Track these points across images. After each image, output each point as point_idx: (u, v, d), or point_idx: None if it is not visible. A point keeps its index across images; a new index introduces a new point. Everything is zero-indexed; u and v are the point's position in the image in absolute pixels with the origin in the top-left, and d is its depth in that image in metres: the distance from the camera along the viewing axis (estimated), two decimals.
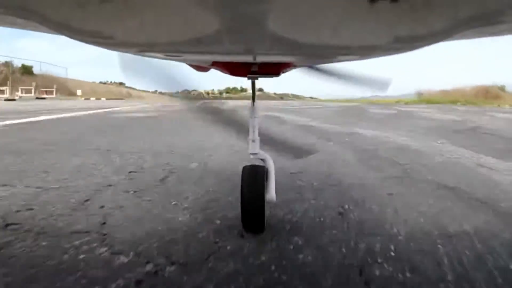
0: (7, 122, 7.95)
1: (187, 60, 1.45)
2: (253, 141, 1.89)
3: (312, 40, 0.84)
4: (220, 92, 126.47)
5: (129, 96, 64.38)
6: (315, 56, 1.17)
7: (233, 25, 0.74)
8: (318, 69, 1.86)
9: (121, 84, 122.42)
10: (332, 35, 0.80)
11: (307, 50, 1.01)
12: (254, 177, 1.72)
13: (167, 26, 0.76)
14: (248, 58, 1.27)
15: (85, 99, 47.74)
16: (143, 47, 0.97)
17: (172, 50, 1.02)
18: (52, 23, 0.77)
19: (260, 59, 1.28)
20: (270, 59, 1.31)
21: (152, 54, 1.10)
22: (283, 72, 1.64)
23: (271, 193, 1.76)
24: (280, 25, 0.74)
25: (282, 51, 1.06)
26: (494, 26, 0.82)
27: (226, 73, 1.65)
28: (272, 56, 1.17)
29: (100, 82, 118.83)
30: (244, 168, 1.77)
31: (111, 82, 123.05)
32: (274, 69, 1.58)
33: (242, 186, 1.72)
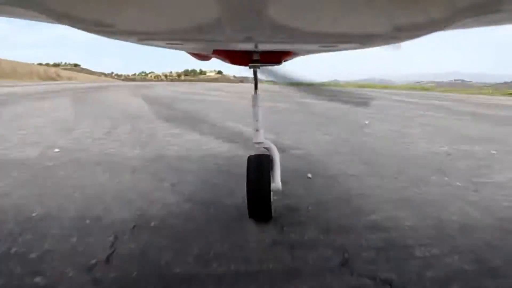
0: None
1: (188, 48, 1.49)
2: (257, 130, 1.87)
3: (313, 28, 0.84)
4: (179, 75, 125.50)
5: (56, 78, 62.32)
6: (315, 45, 1.17)
7: (234, 12, 0.73)
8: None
9: (76, 65, 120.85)
10: (332, 23, 0.80)
11: (307, 39, 1.01)
12: (259, 167, 1.74)
13: (168, 14, 0.75)
14: (249, 47, 1.30)
15: None
16: (145, 36, 0.97)
17: (173, 38, 1.01)
18: (53, 13, 0.76)
19: (261, 47, 1.32)
20: (271, 47, 1.35)
21: (153, 42, 1.10)
22: (284, 61, 1.66)
23: (277, 182, 1.82)
24: (280, 13, 0.73)
25: (283, 39, 1.05)
26: (492, 15, 0.81)
27: (227, 62, 1.66)
28: (273, 44, 1.19)
29: (54, 64, 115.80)
30: (249, 157, 1.78)
31: (65, 63, 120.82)
32: (275, 58, 1.60)
33: (248, 176, 1.76)
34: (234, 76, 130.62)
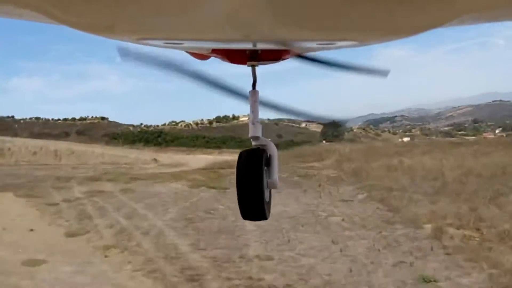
0: None
1: (187, 48, 1.49)
2: (253, 123, 1.76)
3: (311, 25, 0.85)
4: (210, 122, 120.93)
5: None
6: (313, 42, 1.16)
7: (232, 10, 0.74)
8: (313, 59, 1.73)
9: (103, 118, 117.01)
10: (331, 20, 0.82)
11: (306, 36, 1.02)
12: (252, 162, 1.64)
13: (166, 13, 0.76)
14: (248, 45, 1.28)
15: None
16: (143, 35, 0.98)
17: (172, 37, 1.02)
18: (52, 13, 0.77)
19: (260, 45, 1.31)
20: (269, 45, 1.33)
21: (152, 42, 1.09)
22: (283, 59, 1.60)
23: (274, 179, 1.73)
24: (279, 10, 0.75)
25: (282, 37, 1.06)
26: (491, 12, 0.81)
27: (225, 60, 1.60)
28: (271, 42, 1.20)
29: (81, 118, 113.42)
30: (241, 153, 1.68)
31: (92, 116, 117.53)
32: (273, 56, 1.57)
33: (238, 173, 1.63)
34: (269, 119, 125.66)
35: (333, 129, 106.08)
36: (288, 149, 37.62)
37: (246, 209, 1.64)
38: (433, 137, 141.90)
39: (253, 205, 1.62)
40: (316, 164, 21.87)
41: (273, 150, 1.78)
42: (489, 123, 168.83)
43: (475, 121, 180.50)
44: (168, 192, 15.54)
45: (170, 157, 31.57)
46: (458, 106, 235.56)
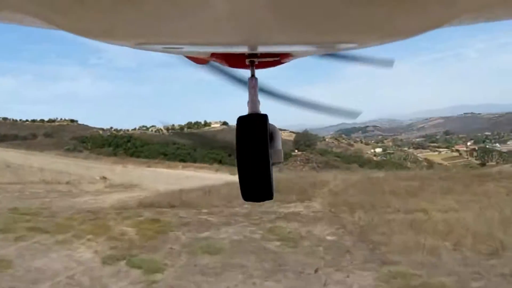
0: None
1: (186, 52, 1.48)
2: (253, 101, 1.70)
3: (310, 29, 0.86)
4: (181, 128, 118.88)
5: None
6: (313, 46, 1.16)
7: (232, 14, 0.75)
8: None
9: (72, 121, 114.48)
10: (330, 23, 0.82)
11: (306, 39, 1.02)
12: (255, 128, 1.56)
13: (165, 18, 0.77)
14: (247, 49, 1.27)
15: None
16: (142, 40, 0.98)
17: (170, 42, 1.02)
18: (51, 19, 0.78)
19: (259, 49, 1.29)
20: (269, 49, 1.32)
21: (151, 46, 1.10)
22: (283, 62, 1.61)
23: (278, 151, 1.69)
24: (278, 14, 0.75)
25: (282, 41, 1.07)
26: (490, 11, 0.82)
27: (225, 65, 1.61)
28: (271, 46, 1.19)
29: (49, 120, 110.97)
30: (240, 118, 1.59)
31: (61, 119, 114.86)
32: (273, 60, 1.57)
33: (238, 143, 1.54)
34: None
35: (306, 139, 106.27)
36: None
37: (249, 187, 1.53)
38: (405, 148, 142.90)
39: (258, 180, 1.50)
40: (300, 208, 13.93)
41: (272, 126, 1.65)
42: (460, 135, 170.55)
43: (446, 133, 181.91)
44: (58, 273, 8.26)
45: (126, 172, 27.54)
46: (430, 118, 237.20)
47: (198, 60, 1.77)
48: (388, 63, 1.88)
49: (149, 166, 35.14)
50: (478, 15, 0.84)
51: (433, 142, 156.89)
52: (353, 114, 1.91)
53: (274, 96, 1.87)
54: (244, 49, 1.28)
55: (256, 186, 1.52)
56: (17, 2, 0.71)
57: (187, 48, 1.23)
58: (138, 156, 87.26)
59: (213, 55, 1.48)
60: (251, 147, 1.48)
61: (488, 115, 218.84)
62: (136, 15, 0.76)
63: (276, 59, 1.54)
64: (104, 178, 23.61)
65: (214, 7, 0.69)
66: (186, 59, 1.75)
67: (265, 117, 1.57)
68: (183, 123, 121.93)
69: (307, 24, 0.80)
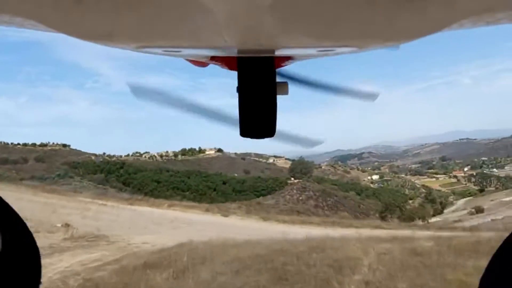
0: None
1: (185, 55, 1.50)
2: None
3: (311, 32, 0.87)
4: (175, 154, 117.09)
5: None
6: (313, 49, 1.16)
7: (232, 17, 0.76)
8: (302, 81, 1.82)
9: (64, 146, 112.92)
10: (331, 26, 0.83)
11: (306, 42, 1.03)
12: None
13: (165, 21, 0.79)
14: (246, 52, 1.28)
15: None
16: (142, 43, 0.99)
17: (171, 45, 1.03)
18: (51, 22, 0.78)
19: (258, 53, 1.30)
20: (269, 53, 1.30)
21: (151, 50, 1.10)
22: (282, 65, 1.59)
23: (283, 82, 1.60)
24: (277, 18, 0.76)
25: (282, 44, 1.08)
26: (490, 15, 0.83)
27: (224, 67, 1.58)
28: (271, 50, 1.18)
29: (41, 144, 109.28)
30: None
31: (53, 143, 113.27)
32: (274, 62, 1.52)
33: (240, 69, 1.50)
34: (236, 154, 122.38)
35: (302, 166, 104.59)
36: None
37: (250, 121, 1.47)
38: (402, 175, 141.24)
39: (262, 113, 1.45)
40: None
41: None
42: (457, 161, 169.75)
43: (443, 159, 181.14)
44: None
45: (100, 213, 23.71)
46: (425, 144, 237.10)
47: (198, 63, 1.75)
48: (372, 96, 1.88)
49: (131, 204, 31.19)
50: (479, 19, 0.84)
51: (430, 168, 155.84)
52: (314, 143, 1.89)
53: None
54: (244, 53, 1.27)
55: (259, 119, 1.44)
56: (17, 5, 0.72)
57: (187, 52, 1.24)
58: (129, 184, 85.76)
59: (213, 58, 1.45)
60: (256, 73, 1.41)
61: (484, 141, 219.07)
62: (137, 18, 0.77)
63: (276, 62, 1.47)
64: (67, 225, 19.21)
65: (214, 10, 0.71)
66: (186, 60, 1.75)
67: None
68: (177, 149, 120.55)
69: (307, 28, 0.82)
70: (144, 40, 0.95)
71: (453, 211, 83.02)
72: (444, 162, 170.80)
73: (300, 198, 78.52)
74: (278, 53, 1.23)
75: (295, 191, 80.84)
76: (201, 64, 1.74)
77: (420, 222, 70.62)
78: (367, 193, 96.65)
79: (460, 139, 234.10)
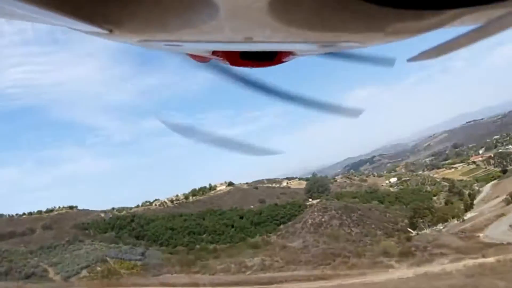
0: None
1: (187, 49, 1.52)
2: None
3: (313, 27, 0.87)
4: (186, 197, 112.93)
5: None
6: (315, 44, 1.18)
7: (234, 12, 0.77)
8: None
9: (71, 208, 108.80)
10: (330, 23, 0.84)
11: (307, 37, 1.03)
12: None
13: (167, 15, 0.80)
14: (248, 47, 1.30)
15: None
16: (144, 37, 1.00)
17: (172, 39, 1.04)
18: (54, 15, 0.78)
19: (261, 47, 1.32)
20: (271, 47, 1.34)
21: (153, 44, 1.12)
22: (284, 61, 1.64)
23: None
24: (280, 13, 0.77)
25: (283, 39, 1.08)
26: (490, 11, 0.82)
27: (225, 62, 1.64)
28: (273, 44, 1.21)
29: (47, 210, 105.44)
30: None
31: (59, 207, 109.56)
32: (275, 58, 1.60)
33: None
34: (248, 184, 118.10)
35: (317, 184, 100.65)
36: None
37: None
38: (420, 172, 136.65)
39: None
40: None
41: None
42: (470, 145, 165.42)
43: (455, 146, 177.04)
44: None
45: None
46: (433, 134, 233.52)
47: (199, 58, 1.77)
48: (355, 112, 1.88)
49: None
50: (478, 16, 0.84)
51: (445, 159, 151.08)
52: (355, 111, 1.90)
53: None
54: (246, 47, 1.29)
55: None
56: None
57: (189, 46, 1.26)
58: (143, 237, 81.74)
59: (214, 53, 1.47)
60: None
61: (491, 118, 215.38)
62: (138, 13, 0.78)
63: (278, 57, 1.54)
64: None
65: (216, 4, 0.70)
66: (188, 57, 1.74)
67: None
68: (187, 191, 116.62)
69: (309, 23, 0.82)
70: (145, 34, 0.94)
71: (483, 200, 78.42)
72: (457, 149, 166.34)
73: (323, 219, 74.53)
74: (280, 47, 1.24)
75: (316, 213, 76.78)
76: (203, 59, 1.75)
77: (455, 221, 66.55)
78: (389, 199, 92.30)
79: (467, 122, 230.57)
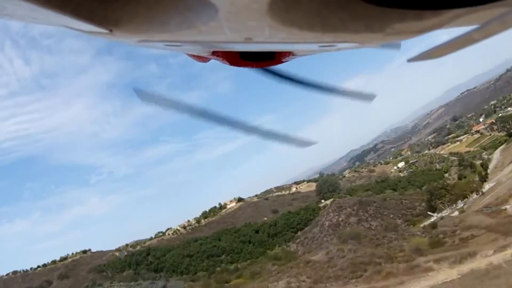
0: None
1: (187, 50, 1.52)
2: None
3: (310, 27, 0.88)
4: (198, 221, 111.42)
5: None
6: (314, 45, 1.17)
7: (234, 12, 0.78)
8: (299, 81, 1.94)
9: (85, 252, 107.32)
10: (330, 23, 0.85)
11: (306, 38, 1.03)
12: None
13: (166, 15, 0.81)
14: (248, 47, 1.30)
15: None
16: (143, 37, 1.01)
17: (171, 39, 1.05)
18: (54, 15, 0.80)
19: (260, 47, 1.33)
20: (270, 47, 1.35)
21: (152, 44, 1.13)
22: (283, 61, 1.64)
23: None
24: (279, 13, 0.78)
25: (283, 40, 1.08)
26: (490, 11, 0.83)
27: (225, 63, 1.64)
28: (273, 44, 1.21)
29: (61, 258, 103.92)
30: None
31: (72, 253, 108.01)
32: (274, 58, 1.61)
33: None
34: (257, 196, 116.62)
35: (327, 184, 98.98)
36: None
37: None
38: (426, 151, 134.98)
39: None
40: None
41: None
42: (468, 116, 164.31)
43: (454, 119, 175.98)
44: None
45: None
46: (431, 111, 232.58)
47: (199, 58, 1.78)
48: (369, 97, 1.95)
49: None
50: (478, 16, 0.86)
51: (448, 134, 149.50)
52: (369, 96, 1.96)
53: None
54: (245, 48, 1.30)
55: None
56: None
57: (188, 46, 1.27)
58: (162, 269, 79.95)
59: (214, 53, 1.48)
60: None
61: (484, 85, 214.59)
62: (140, 13, 0.79)
63: (277, 57, 1.55)
64: None
65: (216, 5, 0.72)
66: (188, 56, 1.78)
67: None
68: (198, 214, 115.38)
69: (308, 23, 0.83)
70: (145, 35, 0.96)
71: (496, 168, 76.72)
72: (457, 122, 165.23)
73: (340, 219, 73.02)
74: (280, 47, 1.26)
75: (331, 214, 75.22)
76: (203, 59, 1.75)
77: (474, 196, 64.74)
78: (402, 184, 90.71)
79: (461, 93, 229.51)
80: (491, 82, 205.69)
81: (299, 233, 78.57)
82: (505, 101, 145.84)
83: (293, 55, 1.56)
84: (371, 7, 0.76)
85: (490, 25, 0.80)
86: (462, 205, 64.81)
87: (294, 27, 0.86)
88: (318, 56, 1.89)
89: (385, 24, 0.86)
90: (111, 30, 0.90)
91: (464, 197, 66.39)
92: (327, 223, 73.77)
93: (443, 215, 65.16)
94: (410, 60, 1.20)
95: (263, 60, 1.56)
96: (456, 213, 60.66)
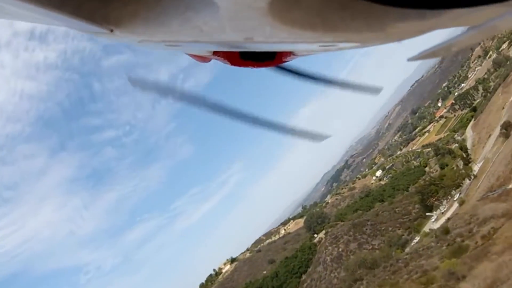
0: None
1: (188, 50, 1.53)
2: None
3: (311, 27, 0.88)
4: None
5: None
6: (315, 44, 1.15)
7: (234, 12, 0.78)
8: (305, 75, 1.98)
9: None
10: (331, 23, 0.85)
11: (307, 38, 1.03)
12: None
13: (167, 16, 0.81)
14: (249, 47, 1.30)
15: None
16: (144, 37, 1.01)
17: (172, 39, 1.05)
18: (54, 15, 0.80)
19: (261, 47, 1.34)
20: (271, 47, 1.35)
21: (153, 44, 1.13)
22: (284, 61, 1.66)
23: None
24: (280, 13, 0.79)
25: (283, 40, 1.07)
26: (490, 11, 0.84)
27: (226, 63, 1.64)
28: (273, 44, 1.19)
29: None
30: None
31: None
32: (275, 58, 1.62)
33: None
34: (249, 250, 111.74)
35: (314, 217, 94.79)
36: None
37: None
38: (398, 152, 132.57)
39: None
40: None
41: None
42: (426, 104, 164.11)
43: (413, 112, 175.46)
44: None
45: None
46: (388, 112, 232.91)
47: (200, 58, 1.78)
48: (375, 90, 1.97)
49: None
50: (478, 16, 0.86)
51: (414, 129, 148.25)
52: (375, 89, 1.98)
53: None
54: (246, 47, 1.29)
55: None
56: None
57: (189, 46, 1.27)
58: None
59: (215, 53, 1.48)
60: None
61: (430, 72, 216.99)
62: (140, 13, 0.80)
63: (278, 57, 1.57)
64: None
65: (216, 4, 0.72)
66: (189, 56, 1.78)
67: None
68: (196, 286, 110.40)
69: (308, 23, 0.83)
70: (145, 35, 0.96)
71: (475, 146, 73.67)
72: (417, 114, 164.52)
73: (340, 249, 68.80)
74: (280, 47, 1.26)
75: (329, 247, 70.99)
76: (204, 59, 1.74)
77: (467, 181, 61.07)
78: (387, 193, 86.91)
79: (411, 86, 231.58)
80: (436, 66, 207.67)
81: (303, 276, 73.91)
82: (456, 79, 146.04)
83: (293, 55, 1.53)
84: (372, 6, 0.76)
85: (490, 26, 0.81)
86: (458, 195, 60.75)
87: (295, 27, 0.86)
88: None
89: (386, 23, 0.85)
90: (111, 30, 0.90)
91: (457, 186, 62.88)
92: (328, 258, 69.62)
93: (443, 211, 61.57)
94: (410, 59, 1.21)
95: (263, 60, 1.54)
96: (456, 205, 56.73)
